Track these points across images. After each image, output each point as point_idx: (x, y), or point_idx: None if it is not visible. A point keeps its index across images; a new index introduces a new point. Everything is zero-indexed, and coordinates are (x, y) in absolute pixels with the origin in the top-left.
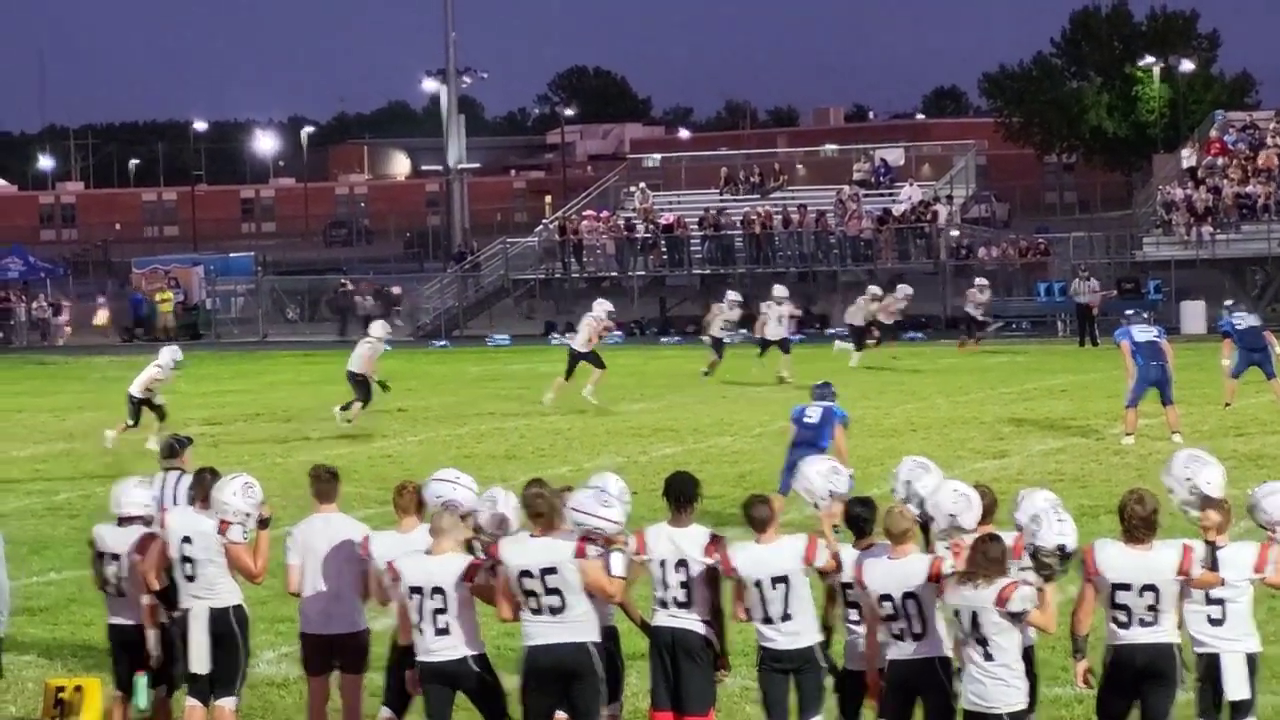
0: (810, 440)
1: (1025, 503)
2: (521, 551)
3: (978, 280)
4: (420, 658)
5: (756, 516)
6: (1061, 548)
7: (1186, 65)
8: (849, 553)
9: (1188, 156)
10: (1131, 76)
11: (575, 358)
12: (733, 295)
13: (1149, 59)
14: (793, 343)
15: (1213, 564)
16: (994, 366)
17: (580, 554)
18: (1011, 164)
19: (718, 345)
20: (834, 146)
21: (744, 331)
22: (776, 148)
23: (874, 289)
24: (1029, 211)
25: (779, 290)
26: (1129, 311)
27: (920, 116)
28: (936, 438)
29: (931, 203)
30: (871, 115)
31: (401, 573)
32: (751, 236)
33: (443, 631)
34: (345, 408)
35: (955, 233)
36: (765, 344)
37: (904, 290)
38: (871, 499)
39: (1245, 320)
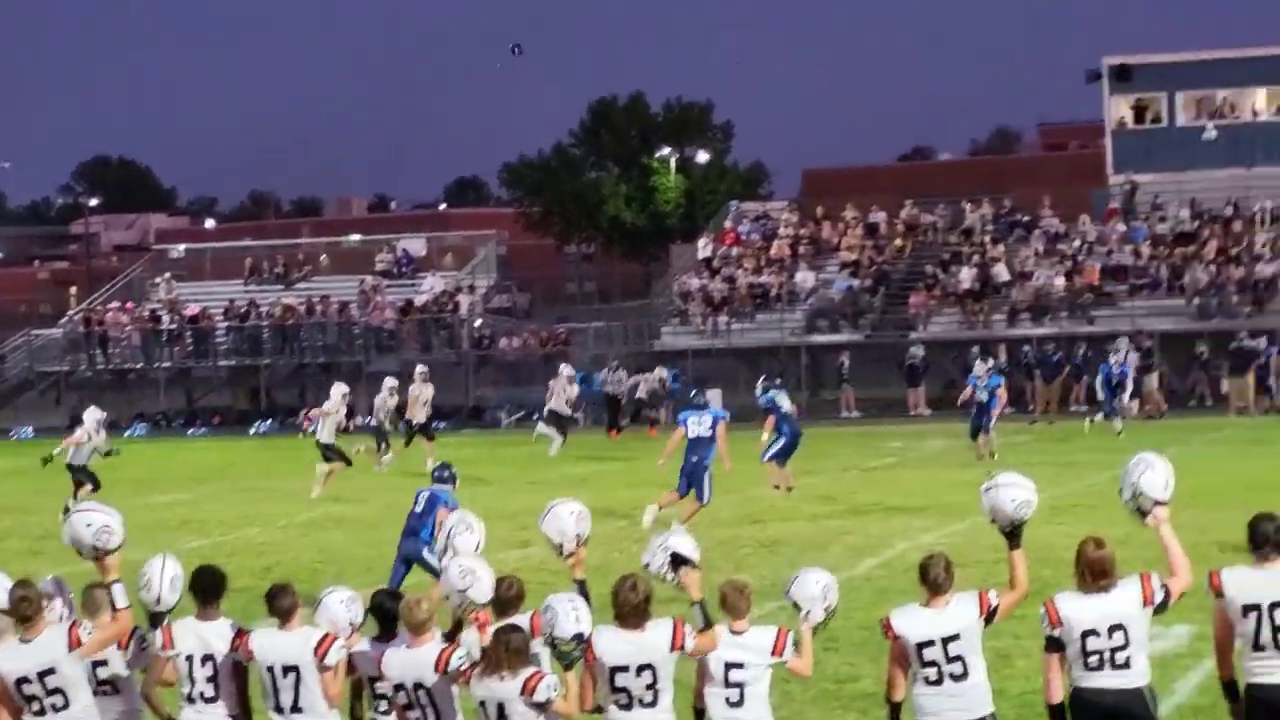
0: (414, 528)
1: (549, 516)
2: (15, 658)
3: (662, 368)
4: None
5: (279, 607)
6: (579, 636)
7: (702, 156)
8: (369, 644)
9: (703, 246)
10: (649, 167)
11: (324, 450)
12: (391, 382)
13: (665, 150)
14: (437, 429)
15: (705, 624)
16: (517, 456)
17: (74, 644)
18: (532, 254)
19: (381, 433)
20: (357, 237)
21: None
22: (301, 238)
23: (568, 370)
24: (550, 301)
25: (421, 369)
26: (694, 393)
27: (442, 207)
28: None
29: (454, 293)
30: (394, 205)
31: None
32: (278, 327)
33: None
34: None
35: (478, 322)
36: (411, 428)
37: (566, 370)
38: (401, 593)
39: (785, 403)
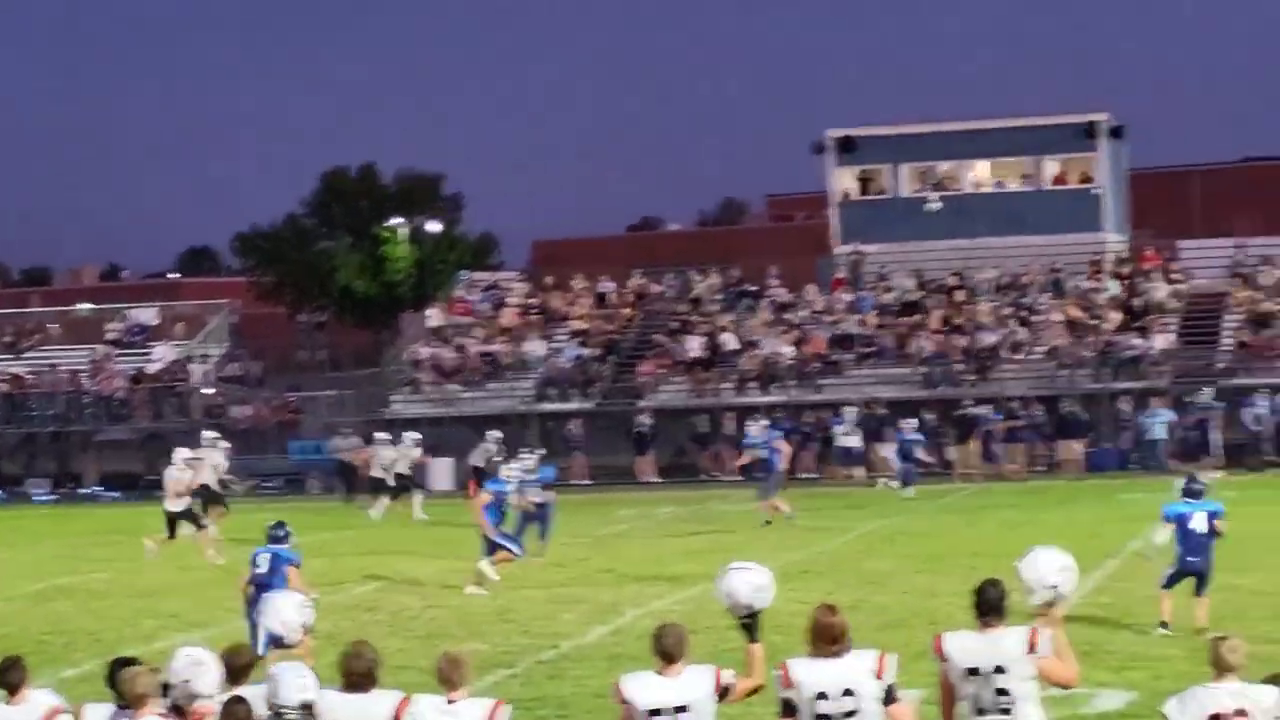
0: (265, 586)
1: (269, 608)
2: None
3: (490, 433)
4: None
5: (8, 680)
6: (305, 703)
7: (433, 226)
8: (111, 714)
9: (434, 315)
10: (379, 236)
11: (169, 518)
12: (186, 453)
13: (397, 219)
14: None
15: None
16: (248, 524)
17: None
18: (265, 323)
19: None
20: (88, 305)
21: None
22: (30, 307)
23: (415, 434)
24: (282, 370)
25: (213, 434)
26: (506, 464)
27: (175, 275)
28: (195, 597)
29: (185, 362)
30: (125, 274)
31: None
32: (6, 396)
33: None
34: None
35: (210, 391)
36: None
37: (413, 435)
38: (135, 659)
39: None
